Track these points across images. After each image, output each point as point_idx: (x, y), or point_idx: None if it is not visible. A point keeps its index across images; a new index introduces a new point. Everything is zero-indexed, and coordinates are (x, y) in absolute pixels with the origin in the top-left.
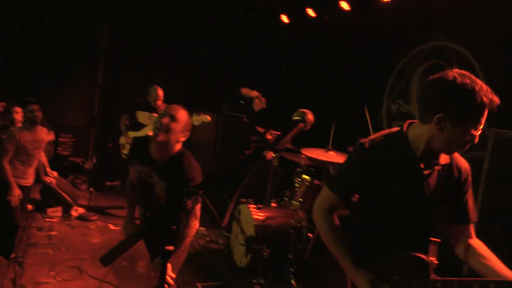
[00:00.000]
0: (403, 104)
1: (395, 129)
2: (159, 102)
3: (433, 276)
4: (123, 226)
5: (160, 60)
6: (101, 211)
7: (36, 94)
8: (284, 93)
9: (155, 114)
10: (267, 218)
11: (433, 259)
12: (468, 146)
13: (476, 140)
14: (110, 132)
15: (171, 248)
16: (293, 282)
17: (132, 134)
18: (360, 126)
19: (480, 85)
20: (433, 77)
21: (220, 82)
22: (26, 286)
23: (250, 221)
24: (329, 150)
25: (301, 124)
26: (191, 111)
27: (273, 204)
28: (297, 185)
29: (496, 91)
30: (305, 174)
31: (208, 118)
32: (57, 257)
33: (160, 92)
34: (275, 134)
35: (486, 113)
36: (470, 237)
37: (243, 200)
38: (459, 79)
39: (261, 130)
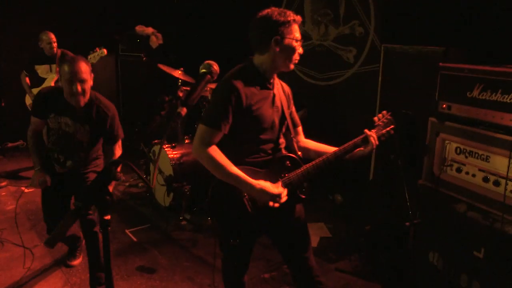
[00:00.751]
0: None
1: (243, 64)
2: (54, 46)
3: (304, 167)
4: (32, 177)
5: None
6: (10, 176)
7: None
8: (180, 25)
9: (54, 65)
10: (183, 155)
11: (299, 153)
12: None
13: (301, 51)
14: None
15: (108, 217)
16: None
17: (37, 90)
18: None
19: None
20: (257, 16)
21: (112, 22)
22: None
23: (167, 161)
24: None
25: (208, 76)
26: (86, 50)
27: (187, 141)
28: None
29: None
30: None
31: (105, 51)
32: None
33: (52, 36)
34: (186, 90)
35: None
36: (303, 138)
37: (156, 141)
38: (269, 12)
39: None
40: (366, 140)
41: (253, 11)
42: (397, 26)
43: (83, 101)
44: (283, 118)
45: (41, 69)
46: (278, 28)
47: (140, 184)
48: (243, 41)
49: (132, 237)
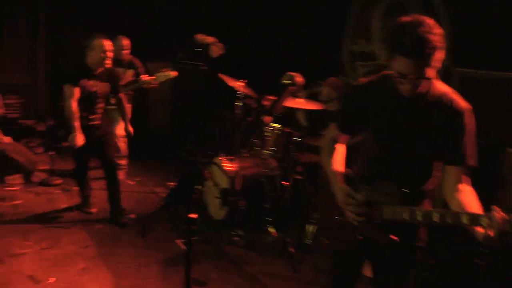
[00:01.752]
0: (365, 44)
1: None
2: (124, 53)
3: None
4: (70, 138)
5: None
6: (64, 174)
7: None
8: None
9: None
10: (239, 169)
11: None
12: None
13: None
14: (61, 90)
15: (195, 216)
16: (271, 230)
17: None
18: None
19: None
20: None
21: (173, 31)
22: (3, 259)
23: (223, 173)
24: (297, 96)
25: (292, 87)
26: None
27: (245, 155)
28: (267, 134)
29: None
30: (275, 123)
31: (173, 73)
32: (27, 226)
33: (125, 42)
34: (270, 99)
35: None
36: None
37: (214, 152)
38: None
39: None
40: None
41: (321, 25)
42: (471, 49)
43: (110, 63)
44: None
45: None
46: None
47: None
48: (310, 56)
49: (183, 247)
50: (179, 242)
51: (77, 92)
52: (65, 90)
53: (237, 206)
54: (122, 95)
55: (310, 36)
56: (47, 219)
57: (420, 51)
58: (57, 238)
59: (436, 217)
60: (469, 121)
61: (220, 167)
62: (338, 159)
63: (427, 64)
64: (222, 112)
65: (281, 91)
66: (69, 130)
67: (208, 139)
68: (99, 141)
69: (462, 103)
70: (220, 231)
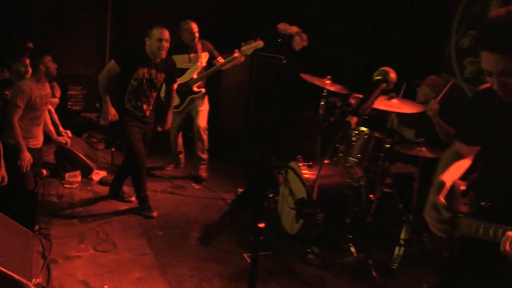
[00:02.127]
0: None
1: None
2: (196, 36)
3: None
4: (103, 112)
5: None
6: None
7: (35, 39)
8: (329, 27)
9: (192, 55)
10: (320, 177)
11: None
12: None
13: None
14: None
15: (263, 225)
16: (352, 250)
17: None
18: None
19: None
20: None
21: (252, 17)
22: (57, 260)
23: (300, 181)
24: (392, 97)
25: (384, 84)
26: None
27: (326, 161)
28: (353, 138)
29: None
30: (363, 126)
31: (261, 43)
32: (84, 227)
33: (194, 27)
34: (358, 97)
35: None
36: None
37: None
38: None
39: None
40: None
41: (422, 14)
42: None
43: (165, 54)
44: None
45: (179, 59)
46: None
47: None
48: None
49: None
50: (246, 256)
51: (116, 70)
52: (108, 64)
53: (314, 220)
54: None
55: (408, 26)
56: (104, 221)
57: (500, 43)
58: (113, 243)
59: None
60: None
61: (297, 173)
62: (452, 170)
63: None
64: (304, 112)
65: (371, 89)
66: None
67: (285, 141)
68: (144, 132)
69: None
70: (293, 246)
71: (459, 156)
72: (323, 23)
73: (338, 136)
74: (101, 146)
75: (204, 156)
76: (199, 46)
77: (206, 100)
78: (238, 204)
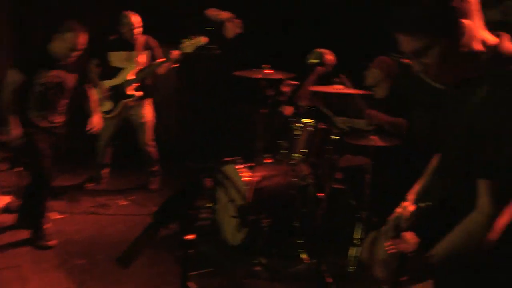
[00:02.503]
0: None
1: None
2: (136, 32)
3: None
4: (7, 134)
5: None
6: None
7: None
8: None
9: (130, 52)
10: (263, 178)
11: None
12: None
13: None
14: None
15: (192, 237)
16: (303, 256)
17: (109, 83)
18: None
19: None
20: None
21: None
22: None
23: (241, 185)
24: (339, 82)
25: (320, 68)
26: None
27: (268, 160)
28: (297, 132)
29: None
30: (305, 117)
31: (203, 39)
32: None
33: (135, 20)
34: (292, 84)
35: None
36: None
37: (227, 159)
38: None
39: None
40: None
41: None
42: None
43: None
44: None
45: (116, 57)
46: None
47: (203, 216)
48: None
49: (190, 284)
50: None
51: (21, 79)
52: (8, 75)
53: (259, 227)
54: (90, 87)
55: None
56: (12, 255)
57: (406, 24)
58: (24, 279)
59: None
60: None
61: (235, 177)
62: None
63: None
64: (240, 107)
65: (306, 73)
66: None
67: (220, 142)
68: (54, 145)
69: None
70: (237, 259)
71: None
72: (259, 7)
73: (274, 128)
74: (4, 166)
75: (155, 168)
76: (139, 43)
77: (148, 108)
78: (161, 216)
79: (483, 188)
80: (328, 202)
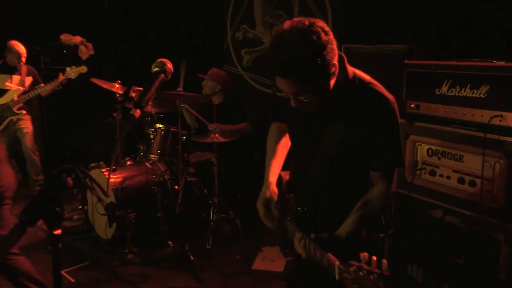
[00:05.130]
0: (248, 29)
1: None
2: (23, 60)
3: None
4: None
5: None
6: None
7: None
8: (112, 34)
9: (16, 76)
10: (125, 179)
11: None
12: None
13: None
14: None
15: (59, 232)
16: (169, 242)
17: None
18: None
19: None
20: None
21: (33, 30)
22: None
23: (107, 186)
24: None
25: (162, 75)
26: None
27: (129, 162)
28: (151, 136)
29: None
30: (157, 123)
31: (85, 68)
32: None
33: (23, 51)
34: (138, 90)
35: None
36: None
37: (93, 164)
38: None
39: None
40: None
41: (194, 13)
42: (356, 26)
43: None
44: None
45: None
46: None
47: (75, 217)
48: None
49: (69, 278)
50: (64, 273)
51: None
52: None
53: (126, 221)
54: None
55: (190, 22)
56: None
57: (285, 68)
58: None
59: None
60: None
61: (102, 179)
62: (280, 152)
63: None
64: (99, 119)
65: (151, 81)
66: None
67: (84, 150)
68: None
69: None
70: (111, 251)
71: (283, 132)
72: (108, 27)
73: (126, 129)
74: None
75: (40, 177)
76: (23, 69)
77: (29, 123)
78: (26, 215)
79: (375, 176)
80: (184, 192)
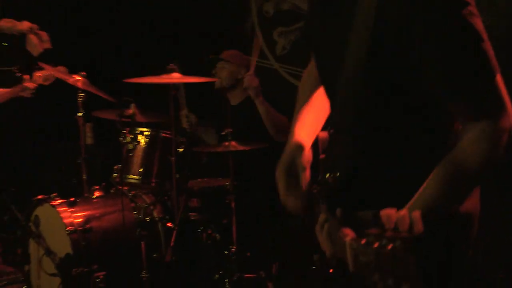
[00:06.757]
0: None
1: None
2: None
3: None
4: None
5: None
6: None
7: None
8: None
9: None
10: (89, 218)
11: None
12: None
13: None
14: None
15: None
16: None
17: None
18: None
19: None
20: None
21: None
22: None
23: (61, 230)
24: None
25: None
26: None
27: (96, 193)
28: (130, 146)
29: None
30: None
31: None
32: None
33: None
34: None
35: None
36: None
37: (41, 197)
38: None
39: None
40: None
41: None
42: None
43: None
44: None
45: None
46: None
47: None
48: None
49: None
50: None
51: None
52: None
53: (91, 284)
54: None
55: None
56: None
57: None
58: None
59: None
60: None
61: (52, 220)
62: (311, 114)
63: None
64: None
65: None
66: None
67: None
68: None
69: None
70: None
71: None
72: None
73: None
74: None
75: None
76: None
77: None
78: None
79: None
80: (186, 238)
